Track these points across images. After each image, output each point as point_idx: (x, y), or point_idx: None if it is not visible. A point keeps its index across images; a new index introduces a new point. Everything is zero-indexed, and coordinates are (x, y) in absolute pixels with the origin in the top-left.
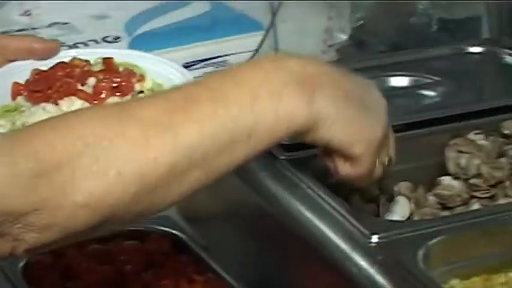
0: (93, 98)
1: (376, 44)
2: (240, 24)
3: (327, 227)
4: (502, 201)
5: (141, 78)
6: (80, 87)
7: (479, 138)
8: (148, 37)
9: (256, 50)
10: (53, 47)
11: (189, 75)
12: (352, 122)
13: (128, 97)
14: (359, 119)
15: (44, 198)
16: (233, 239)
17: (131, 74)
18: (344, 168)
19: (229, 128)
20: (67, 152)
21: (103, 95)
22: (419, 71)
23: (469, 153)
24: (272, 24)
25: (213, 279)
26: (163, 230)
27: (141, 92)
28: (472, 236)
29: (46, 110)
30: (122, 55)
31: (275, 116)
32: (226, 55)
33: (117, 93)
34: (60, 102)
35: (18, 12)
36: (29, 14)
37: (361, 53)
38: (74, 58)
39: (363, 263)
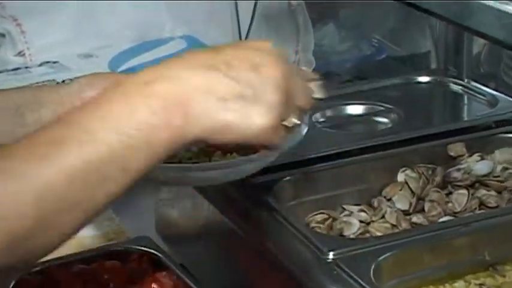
0: None
1: (339, 75)
2: None
3: (289, 244)
4: (445, 218)
5: None
6: None
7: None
8: (130, 73)
9: None
10: None
11: None
12: (236, 126)
13: None
14: (243, 119)
15: None
16: (206, 257)
17: None
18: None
19: (100, 170)
20: None
21: None
22: (374, 100)
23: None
24: None
25: None
26: (142, 249)
27: None
28: (419, 250)
29: None
30: None
31: (147, 148)
32: None
33: None
34: None
35: (12, 53)
36: (23, 55)
37: (325, 83)
38: None
39: (320, 277)
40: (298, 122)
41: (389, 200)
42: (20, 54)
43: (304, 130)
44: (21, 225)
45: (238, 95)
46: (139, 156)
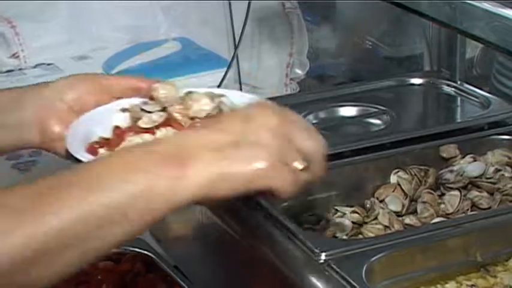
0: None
1: (333, 77)
2: (208, 61)
3: (281, 245)
4: (437, 219)
5: None
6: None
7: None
8: (124, 75)
9: (219, 85)
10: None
11: None
12: (235, 171)
13: None
14: (240, 163)
15: None
16: (200, 259)
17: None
18: (263, 195)
19: (100, 213)
20: None
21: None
22: (367, 102)
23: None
24: (234, 58)
25: None
26: (135, 251)
27: None
28: (411, 251)
29: (143, 139)
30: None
31: (148, 196)
32: None
33: None
34: (156, 131)
35: (7, 55)
36: (17, 56)
37: (319, 85)
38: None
39: (312, 278)
40: (301, 167)
41: (381, 201)
42: (15, 56)
43: None
44: (23, 253)
45: (232, 144)
46: (141, 203)
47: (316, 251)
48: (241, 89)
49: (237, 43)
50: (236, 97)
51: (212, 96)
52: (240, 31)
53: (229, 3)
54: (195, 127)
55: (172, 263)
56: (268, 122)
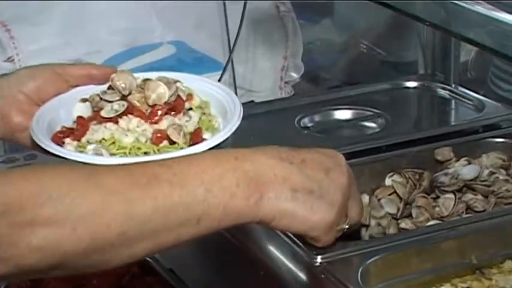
0: (149, 117)
1: (328, 80)
2: (203, 64)
3: (277, 248)
4: (432, 222)
5: (190, 97)
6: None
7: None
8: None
9: None
10: (110, 73)
11: (232, 94)
12: (300, 216)
13: (180, 115)
14: (307, 211)
15: (1, 235)
16: (195, 262)
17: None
18: (307, 240)
19: (180, 212)
20: (32, 200)
21: (156, 117)
22: (362, 105)
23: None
24: (229, 61)
25: None
26: None
27: (190, 109)
28: (407, 254)
29: (107, 128)
30: (173, 77)
31: (223, 211)
32: None
33: (172, 113)
34: (119, 120)
35: (1, 59)
36: (12, 60)
37: (314, 88)
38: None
39: (308, 281)
40: (346, 227)
41: (379, 200)
42: (10, 60)
43: None
44: (106, 234)
45: (307, 189)
46: (214, 214)
47: (312, 253)
48: (236, 93)
49: (232, 46)
50: (198, 83)
51: (169, 83)
52: (235, 34)
53: (224, 3)
54: (280, 151)
55: (167, 266)
56: (341, 180)
